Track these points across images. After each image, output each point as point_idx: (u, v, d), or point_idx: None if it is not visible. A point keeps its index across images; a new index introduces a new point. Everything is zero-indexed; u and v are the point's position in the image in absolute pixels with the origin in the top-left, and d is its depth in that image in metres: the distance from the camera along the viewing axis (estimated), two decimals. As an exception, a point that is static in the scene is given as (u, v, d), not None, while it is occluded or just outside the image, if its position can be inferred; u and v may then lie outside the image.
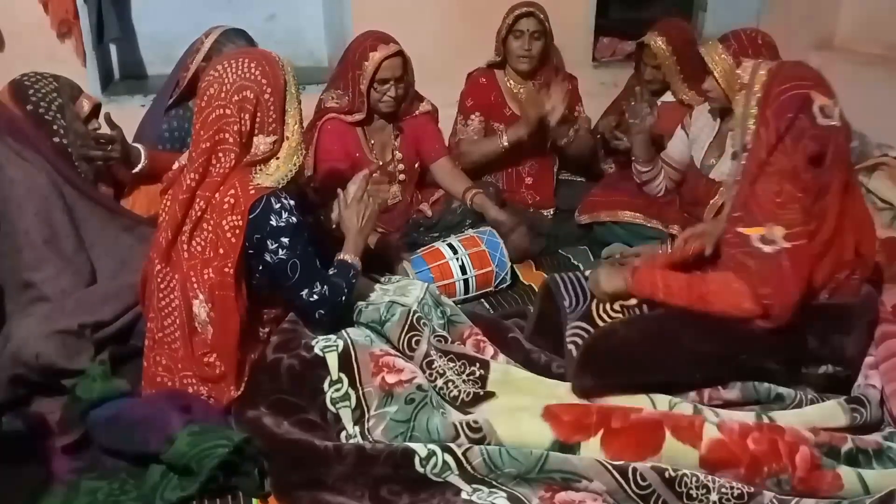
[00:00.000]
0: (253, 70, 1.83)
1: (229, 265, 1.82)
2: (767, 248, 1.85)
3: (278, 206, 1.84)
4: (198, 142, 1.85)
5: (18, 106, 2.13)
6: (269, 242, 1.84)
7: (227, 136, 1.82)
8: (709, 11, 4.11)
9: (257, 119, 1.84)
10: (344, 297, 1.98)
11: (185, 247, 1.87)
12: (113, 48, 3.46)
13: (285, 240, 1.85)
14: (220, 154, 1.84)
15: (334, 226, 2.23)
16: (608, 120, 3.25)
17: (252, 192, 1.82)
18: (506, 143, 3.00)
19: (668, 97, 3.22)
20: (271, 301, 1.99)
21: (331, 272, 2.00)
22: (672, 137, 2.92)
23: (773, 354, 1.93)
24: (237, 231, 1.82)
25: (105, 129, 2.28)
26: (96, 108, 2.27)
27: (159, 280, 1.91)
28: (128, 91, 3.35)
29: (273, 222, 1.83)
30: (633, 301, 2.02)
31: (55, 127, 2.15)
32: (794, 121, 1.87)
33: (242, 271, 1.86)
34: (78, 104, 2.23)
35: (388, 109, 2.78)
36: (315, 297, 1.92)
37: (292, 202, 1.88)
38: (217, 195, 1.84)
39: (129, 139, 2.40)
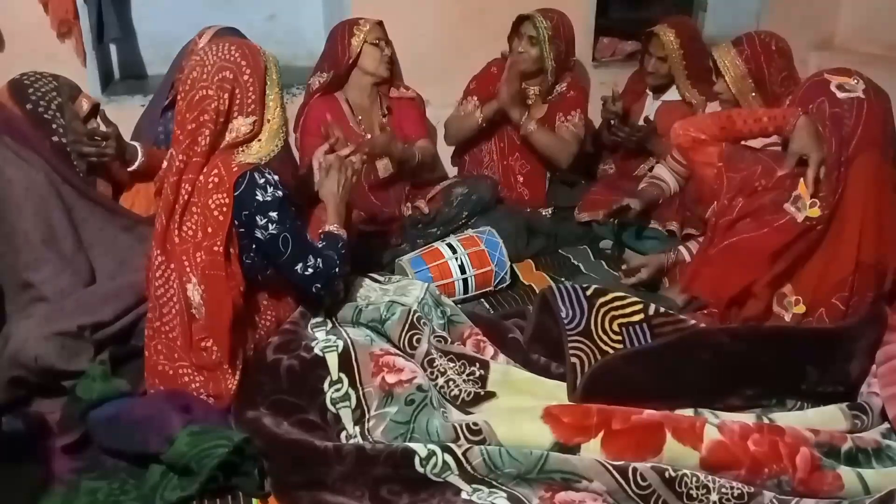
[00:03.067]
0: (233, 52, 1.88)
1: (218, 243, 1.84)
2: (791, 209, 2.01)
3: (262, 180, 1.86)
4: (183, 123, 1.87)
5: (18, 105, 2.13)
6: (257, 218, 1.86)
7: (207, 116, 1.85)
8: (709, 11, 4.10)
9: (237, 99, 1.87)
10: (338, 269, 2.00)
11: (177, 232, 1.89)
12: (113, 48, 3.45)
13: (274, 214, 1.87)
14: (199, 136, 1.87)
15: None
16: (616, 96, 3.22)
17: (235, 168, 1.86)
18: (479, 117, 3.05)
19: (668, 96, 3.21)
20: (266, 284, 2.01)
21: (320, 245, 2.02)
22: None
23: (773, 385, 1.94)
24: (224, 209, 1.84)
25: (102, 128, 2.27)
26: (95, 108, 2.27)
27: (155, 268, 1.93)
28: (128, 91, 3.34)
29: (259, 197, 1.85)
30: (636, 318, 2.02)
31: (54, 126, 2.15)
32: (819, 106, 1.98)
33: (233, 250, 1.88)
34: (77, 103, 2.22)
35: (386, 73, 2.89)
36: (310, 270, 1.93)
37: (276, 177, 1.89)
38: (201, 177, 1.87)
39: (128, 139, 2.40)
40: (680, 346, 1.95)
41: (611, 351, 1.98)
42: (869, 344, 1.98)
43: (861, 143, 1.97)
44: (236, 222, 1.86)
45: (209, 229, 1.86)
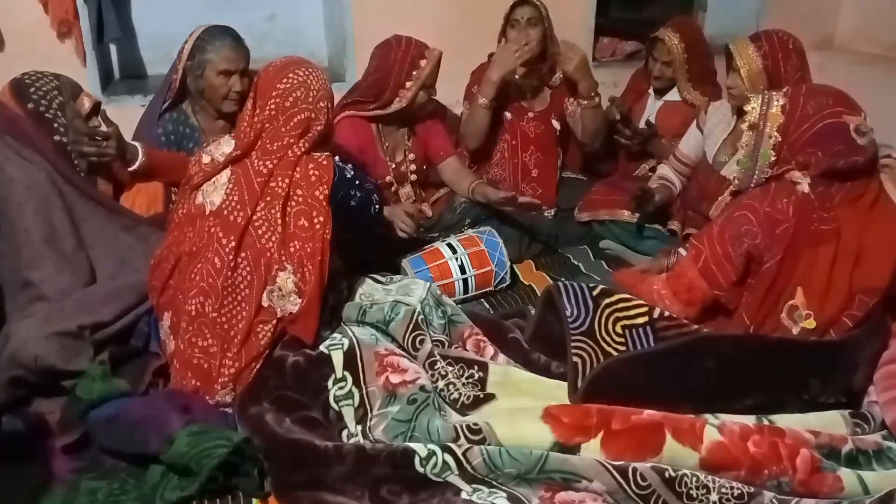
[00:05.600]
0: (325, 82, 2.12)
1: (328, 230, 1.99)
2: (786, 320, 2.01)
3: (340, 162, 2.12)
4: (278, 135, 2.03)
5: (19, 105, 2.13)
6: (351, 191, 2.14)
7: (312, 133, 2.07)
8: (709, 11, 4.11)
9: (329, 121, 2.14)
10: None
11: (266, 224, 1.99)
12: (113, 48, 3.46)
13: (357, 181, 2.16)
14: (300, 142, 2.05)
15: None
16: (619, 104, 3.22)
17: (325, 162, 2.06)
18: (483, 100, 2.96)
19: (670, 97, 3.22)
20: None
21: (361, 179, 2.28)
22: (686, 134, 2.92)
23: (774, 394, 1.91)
24: (327, 198, 2.01)
25: (103, 127, 2.27)
26: (97, 107, 2.27)
27: (230, 259, 1.97)
28: (128, 91, 3.35)
29: (348, 175, 2.13)
30: (640, 321, 2.01)
31: (56, 125, 2.15)
32: (834, 153, 1.95)
33: None
34: (79, 102, 2.22)
35: (424, 111, 2.87)
36: (377, 206, 2.30)
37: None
38: (297, 172, 2.02)
39: (128, 139, 2.40)
40: (683, 352, 1.93)
41: (613, 353, 1.97)
42: (872, 353, 1.96)
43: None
44: (331, 207, 2.02)
45: (320, 218, 1.99)
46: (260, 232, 1.98)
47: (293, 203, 2.00)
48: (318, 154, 2.07)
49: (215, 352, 1.97)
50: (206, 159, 2.10)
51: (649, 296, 2.10)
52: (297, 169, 2.02)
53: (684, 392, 1.88)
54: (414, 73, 2.73)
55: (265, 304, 1.98)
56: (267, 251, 1.98)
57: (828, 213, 1.98)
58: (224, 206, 2.01)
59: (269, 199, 2.00)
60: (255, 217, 1.99)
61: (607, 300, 2.05)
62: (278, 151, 2.02)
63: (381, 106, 2.77)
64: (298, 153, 2.03)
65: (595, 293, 2.06)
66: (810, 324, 1.97)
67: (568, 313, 2.01)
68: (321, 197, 2.00)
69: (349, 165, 2.16)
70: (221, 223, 2.00)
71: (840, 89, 2.09)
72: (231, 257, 1.97)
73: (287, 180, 2.00)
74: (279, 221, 1.99)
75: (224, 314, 1.98)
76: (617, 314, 2.03)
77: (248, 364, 1.97)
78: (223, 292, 1.97)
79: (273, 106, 2.03)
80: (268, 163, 2.01)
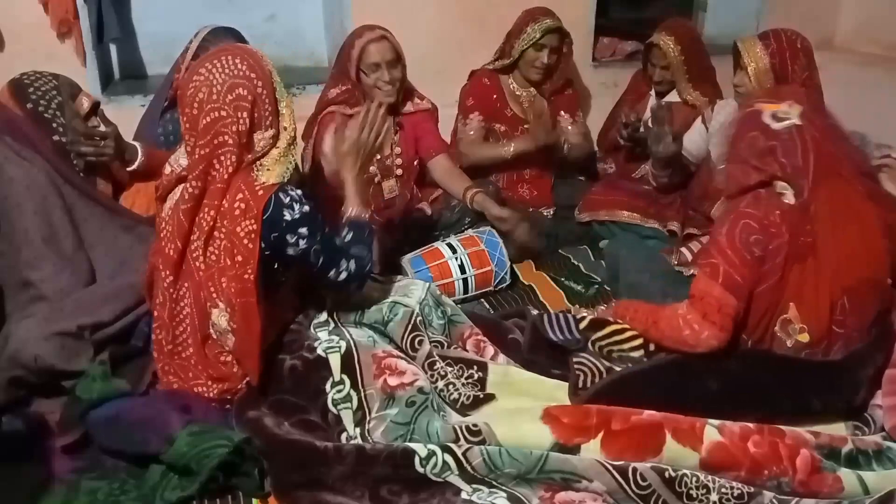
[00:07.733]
0: (240, 66, 1.79)
1: (249, 271, 1.78)
2: (780, 333, 1.92)
3: (288, 199, 1.80)
4: (195, 149, 1.81)
5: (18, 105, 2.13)
6: (287, 237, 1.81)
7: (226, 138, 1.79)
8: (709, 11, 4.10)
9: (255, 115, 1.81)
10: (370, 264, 1.95)
11: (201, 257, 1.84)
12: (113, 48, 3.45)
13: (303, 230, 1.82)
14: (222, 157, 1.80)
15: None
16: (626, 112, 3.22)
17: (260, 192, 1.79)
18: (511, 152, 3.04)
19: (671, 97, 3.21)
20: (276, 291, 1.96)
21: (346, 237, 1.96)
22: (690, 130, 2.92)
23: (776, 411, 1.88)
24: (252, 236, 1.77)
25: (101, 127, 2.27)
26: (95, 106, 2.27)
27: (171, 291, 1.90)
28: (128, 91, 3.34)
29: (287, 217, 1.80)
30: (636, 355, 1.98)
31: (54, 125, 2.15)
32: (751, 141, 1.90)
33: (260, 275, 1.81)
34: (77, 102, 2.22)
35: (388, 98, 2.72)
36: (343, 275, 1.90)
37: (299, 191, 1.84)
38: (225, 202, 1.80)
39: (129, 139, 2.40)
40: (685, 369, 1.89)
41: (615, 368, 1.95)
42: (877, 368, 1.92)
43: (817, 174, 1.85)
44: (263, 244, 1.79)
45: (238, 257, 1.78)
46: (197, 264, 1.85)
47: (220, 236, 1.82)
48: (259, 183, 1.80)
49: (184, 379, 1.96)
50: (167, 170, 1.95)
51: (671, 321, 1.89)
52: (226, 197, 1.79)
53: (686, 408, 1.84)
54: (352, 50, 2.69)
55: (214, 336, 1.92)
56: (202, 285, 1.86)
57: (807, 225, 1.87)
58: (162, 234, 1.90)
59: (197, 230, 1.83)
60: (193, 247, 1.85)
61: (597, 334, 2.02)
62: (197, 166, 1.80)
63: (353, 103, 2.74)
64: (220, 177, 1.79)
65: (582, 326, 2.05)
66: (804, 337, 1.89)
67: (557, 339, 2.02)
68: (242, 234, 1.76)
69: (306, 207, 1.81)
70: (151, 231, 1.89)
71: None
72: (171, 290, 1.89)
73: (213, 212, 1.80)
74: (201, 256, 1.84)
75: (179, 343, 1.94)
76: (610, 347, 2.02)
77: (230, 389, 1.94)
78: (171, 323, 1.92)
79: (186, 117, 1.82)
80: (196, 183, 1.80)
